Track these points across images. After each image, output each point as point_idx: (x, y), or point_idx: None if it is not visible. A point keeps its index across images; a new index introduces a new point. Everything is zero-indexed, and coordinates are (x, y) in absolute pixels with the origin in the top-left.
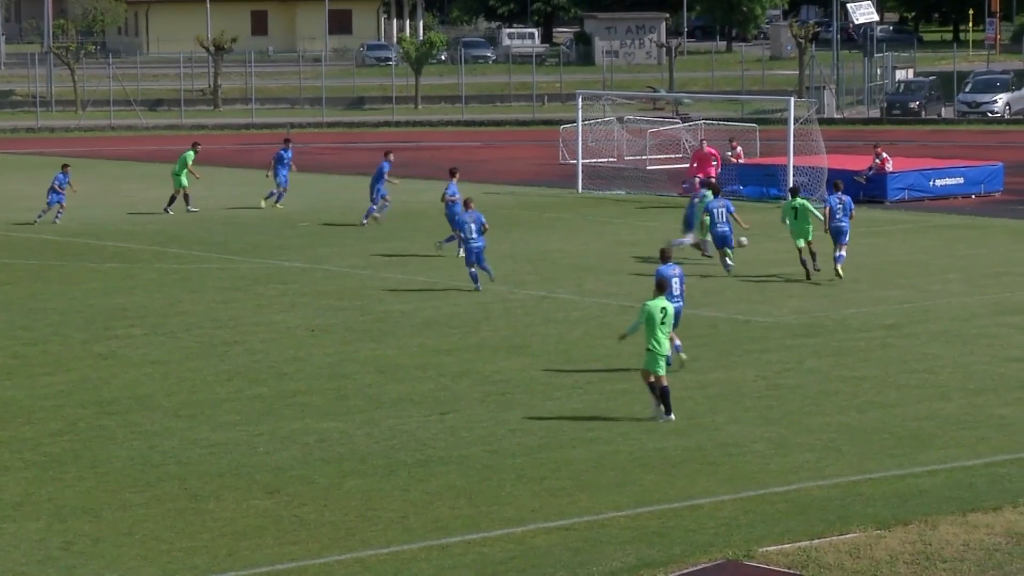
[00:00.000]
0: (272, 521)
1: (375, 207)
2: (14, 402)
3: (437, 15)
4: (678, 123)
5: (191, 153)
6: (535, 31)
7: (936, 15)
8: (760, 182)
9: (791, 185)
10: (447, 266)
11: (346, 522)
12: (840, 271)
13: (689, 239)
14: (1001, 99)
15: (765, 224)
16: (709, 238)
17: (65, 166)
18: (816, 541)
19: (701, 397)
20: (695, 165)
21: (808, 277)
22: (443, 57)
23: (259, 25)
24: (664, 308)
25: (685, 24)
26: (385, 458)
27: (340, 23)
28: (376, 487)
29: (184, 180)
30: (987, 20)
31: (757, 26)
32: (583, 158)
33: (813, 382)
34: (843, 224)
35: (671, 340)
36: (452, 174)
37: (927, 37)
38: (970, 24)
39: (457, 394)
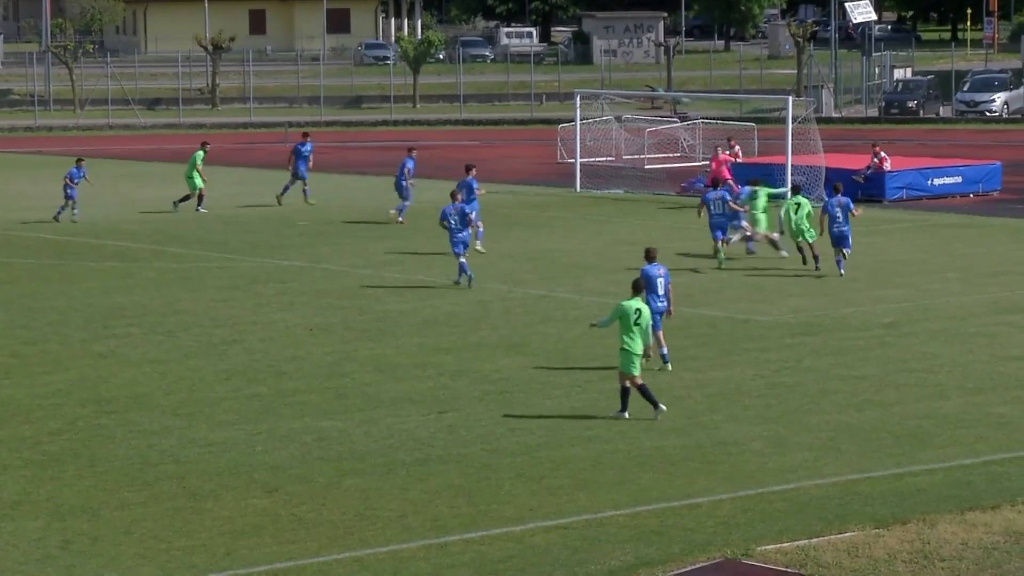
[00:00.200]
0: (270, 520)
1: (407, 203)
2: (13, 401)
3: (435, 14)
4: (676, 122)
5: (201, 153)
6: (533, 30)
7: (934, 14)
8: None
9: (791, 184)
10: (446, 266)
11: (344, 521)
12: (841, 271)
13: (743, 229)
14: (999, 98)
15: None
16: (761, 231)
17: (79, 160)
18: (814, 540)
19: (700, 396)
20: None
21: (806, 263)
22: (441, 56)
23: (257, 24)
24: (639, 309)
25: (683, 23)
26: (384, 457)
27: (338, 22)
28: (375, 486)
29: (198, 181)
30: (985, 19)
31: (755, 25)
32: (581, 157)
33: (812, 381)
34: (844, 229)
35: (659, 346)
36: (468, 170)
37: (925, 36)
38: (968, 23)
39: (456, 393)
